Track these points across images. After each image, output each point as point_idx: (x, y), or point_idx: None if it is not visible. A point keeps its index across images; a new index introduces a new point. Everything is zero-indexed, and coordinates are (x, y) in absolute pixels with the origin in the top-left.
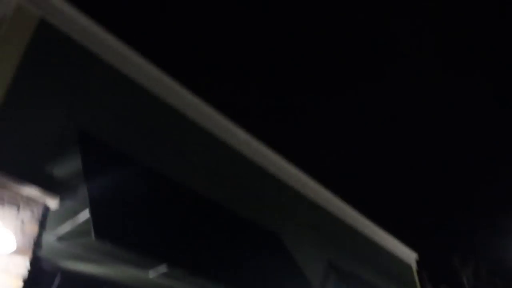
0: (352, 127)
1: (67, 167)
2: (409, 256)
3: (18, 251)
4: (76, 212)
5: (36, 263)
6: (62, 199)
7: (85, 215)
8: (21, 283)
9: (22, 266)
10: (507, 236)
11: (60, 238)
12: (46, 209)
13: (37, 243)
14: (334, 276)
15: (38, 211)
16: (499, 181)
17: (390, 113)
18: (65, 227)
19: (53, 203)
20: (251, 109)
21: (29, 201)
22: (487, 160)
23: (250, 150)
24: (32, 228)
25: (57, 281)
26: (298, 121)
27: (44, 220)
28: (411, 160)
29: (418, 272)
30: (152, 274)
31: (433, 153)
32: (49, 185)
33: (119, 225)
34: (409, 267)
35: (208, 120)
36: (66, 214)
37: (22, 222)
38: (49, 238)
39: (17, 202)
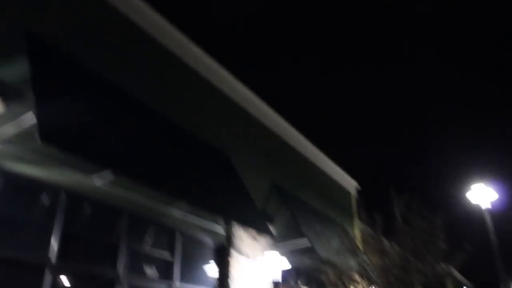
0: (302, 51)
1: (14, 69)
2: (350, 184)
3: None
4: (22, 115)
5: None
6: (8, 102)
7: (31, 118)
8: None
9: None
10: (438, 172)
11: (5, 141)
12: None
13: None
14: (277, 197)
15: None
16: (438, 119)
17: (337, 37)
18: (10, 130)
19: None
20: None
21: None
22: (426, 101)
23: (203, 68)
24: None
25: None
26: (252, 42)
27: None
28: (360, 94)
29: (357, 199)
30: (97, 180)
31: (378, 89)
32: None
33: (66, 130)
34: (348, 194)
35: (163, 34)
36: (11, 117)
37: None
38: None
39: None
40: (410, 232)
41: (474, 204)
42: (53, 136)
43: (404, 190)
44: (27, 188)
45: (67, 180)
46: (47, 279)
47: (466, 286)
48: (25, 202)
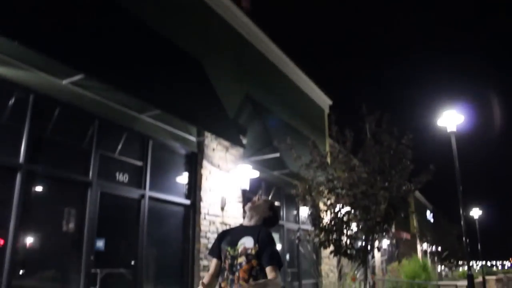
0: None
1: None
2: (323, 101)
3: None
4: None
5: None
6: None
7: None
8: None
9: None
10: (411, 96)
11: None
12: None
13: None
14: (249, 109)
15: None
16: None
17: None
18: None
19: None
20: None
21: None
22: (406, 22)
23: None
24: None
25: None
26: None
27: None
28: (338, 9)
29: (329, 115)
30: (66, 81)
31: (357, 5)
32: None
33: (37, 28)
34: (321, 111)
35: None
36: None
37: None
38: None
39: None
40: (379, 149)
41: (441, 128)
42: (24, 34)
43: (376, 109)
44: None
45: (37, 82)
46: (18, 182)
47: (427, 207)
48: None
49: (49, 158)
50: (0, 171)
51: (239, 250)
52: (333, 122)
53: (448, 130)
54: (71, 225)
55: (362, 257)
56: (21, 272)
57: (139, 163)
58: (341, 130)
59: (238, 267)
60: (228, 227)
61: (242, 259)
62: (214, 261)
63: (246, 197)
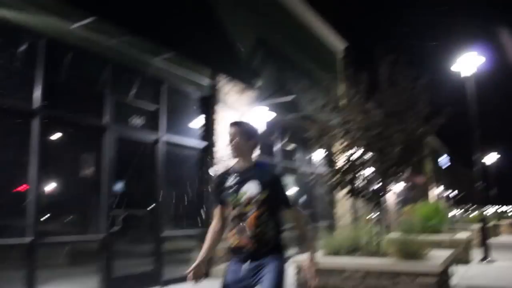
0: None
1: None
2: (337, 44)
3: None
4: None
5: None
6: None
7: None
8: None
9: None
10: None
11: None
12: None
13: None
14: (263, 51)
15: None
16: None
17: None
18: None
19: None
20: None
21: None
22: None
23: None
24: None
25: None
26: None
27: None
28: None
29: (343, 58)
30: (77, 25)
31: None
32: None
33: None
34: (335, 53)
35: None
36: None
37: None
38: None
39: None
40: (394, 92)
41: (458, 71)
42: None
43: (392, 51)
44: (8, 34)
45: (48, 27)
46: (36, 127)
47: (442, 151)
48: (5, 49)
49: (65, 103)
50: (17, 116)
51: (245, 198)
52: (348, 64)
53: (464, 74)
54: (90, 169)
55: (377, 198)
56: (45, 215)
57: (154, 108)
58: (356, 72)
59: (248, 214)
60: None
61: (249, 207)
62: (217, 208)
63: (261, 140)
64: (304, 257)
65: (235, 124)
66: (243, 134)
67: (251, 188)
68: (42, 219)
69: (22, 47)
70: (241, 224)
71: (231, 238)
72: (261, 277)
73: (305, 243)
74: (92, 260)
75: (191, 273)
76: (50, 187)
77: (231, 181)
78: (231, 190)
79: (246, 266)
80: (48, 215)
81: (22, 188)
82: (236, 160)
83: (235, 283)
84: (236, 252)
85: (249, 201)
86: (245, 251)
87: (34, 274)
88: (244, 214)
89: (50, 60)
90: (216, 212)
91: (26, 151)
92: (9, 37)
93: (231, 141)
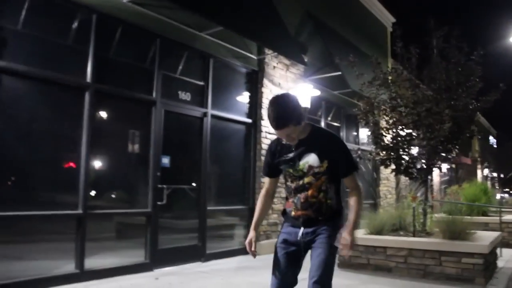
0: None
1: None
2: (386, 18)
3: None
4: None
5: None
6: None
7: None
8: None
9: None
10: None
11: None
12: None
13: None
14: (310, 25)
15: None
16: None
17: None
18: None
19: None
20: None
21: None
22: None
23: None
24: None
25: None
26: None
27: None
28: None
29: (392, 33)
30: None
31: None
32: None
33: None
34: (384, 28)
35: None
36: None
37: None
38: None
39: None
40: (446, 66)
41: None
42: None
43: (444, 23)
44: (61, 10)
45: (99, 2)
46: (87, 101)
47: (490, 132)
48: (59, 24)
49: (115, 77)
50: (70, 90)
51: (304, 170)
52: (398, 38)
53: None
54: (138, 143)
55: (423, 177)
56: (94, 189)
57: (201, 82)
58: (406, 47)
59: (307, 186)
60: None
61: (310, 179)
62: (267, 180)
63: (306, 116)
64: (345, 228)
65: (280, 127)
66: (292, 125)
67: (310, 160)
68: (91, 193)
69: (75, 23)
70: (300, 195)
71: (289, 208)
72: (314, 248)
73: (351, 213)
74: (138, 233)
75: (254, 248)
76: (100, 161)
77: (287, 152)
78: (288, 162)
79: (302, 230)
80: (97, 189)
81: (73, 162)
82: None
83: (289, 244)
84: (293, 219)
85: (309, 173)
86: (302, 219)
87: (84, 245)
88: (303, 185)
89: (100, 34)
90: (267, 182)
91: (77, 125)
92: (62, 13)
93: (287, 137)
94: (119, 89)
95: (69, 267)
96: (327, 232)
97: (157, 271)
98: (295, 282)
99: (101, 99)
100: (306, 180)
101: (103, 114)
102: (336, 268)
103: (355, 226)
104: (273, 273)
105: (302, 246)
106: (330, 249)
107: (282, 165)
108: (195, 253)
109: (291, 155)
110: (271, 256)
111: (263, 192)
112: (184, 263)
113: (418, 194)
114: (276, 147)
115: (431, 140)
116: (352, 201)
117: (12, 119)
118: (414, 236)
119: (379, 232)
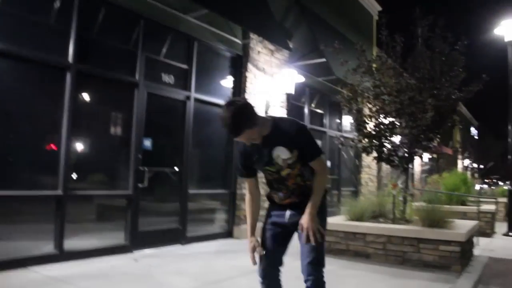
0: None
1: None
2: (372, 6)
3: None
4: None
5: None
6: None
7: None
8: None
9: None
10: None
11: None
12: None
13: None
14: (296, 11)
15: None
16: None
17: None
18: None
19: None
20: None
21: None
22: None
23: None
24: None
25: None
26: None
27: None
28: None
29: (377, 21)
30: None
31: None
32: None
33: None
34: (370, 16)
35: None
36: None
37: None
38: None
39: None
40: (430, 56)
41: (498, 38)
42: None
43: (430, 13)
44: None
45: None
46: (68, 82)
47: (472, 123)
48: (40, 2)
49: (97, 58)
50: (51, 70)
51: (280, 164)
52: (383, 26)
53: (506, 40)
54: (120, 125)
55: (404, 165)
56: (75, 170)
57: (184, 65)
58: (391, 35)
59: (285, 177)
60: None
61: (286, 171)
62: (247, 182)
63: (290, 102)
64: (307, 210)
65: (236, 134)
66: (250, 129)
67: (280, 154)
68: (71, 175)
69: (56, 1)
70: (280, 186)
71: (273, 197)
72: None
73: (313, 195)
74: (119, 216)
75: (253, 255)
76: (80, 142)
77: (257, 151)
78: (262, 161)
79: (288, 212)
80: (78, 170)
81: (53, 143)
82: None
83: (277, 225)
84: (279, 205)
85: (284, 166)
86: (288, 205)
87: (63, 226)
88: (281, 177)
89: (84, 14)
90: (247, 184)
91: (58, 105)
92: None
93: (246, 139)
94: (101, 70)
95: (48, 247)
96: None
97: (137, 253)
98: (281, 262)
99: (82, 80)
100: (284, 173)
101: (85, 95)
102: None
103: (315, 206)
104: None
105: (290, 226)
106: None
107: (256, 166)
108: (176, 236)
109: (262, 154)
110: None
111: (248, 196)
112: (164, 246)
113: (399, 182)
114: (245, 148)
115: (413, 128)
116: (315, 182)
117: None
118: (393, 223)
119: (359, 218)
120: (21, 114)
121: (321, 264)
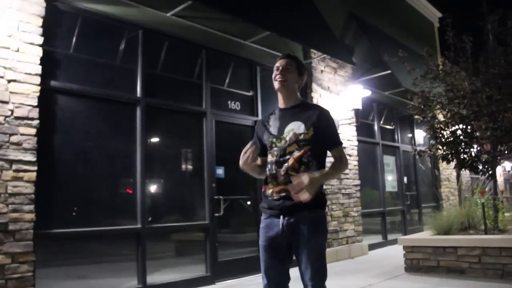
0: None
1: None
2: (432, 13)
3: None
4: None
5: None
6: None
7: None
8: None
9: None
10: None
11: None
12: None
13: None
14: (354, 26)
15: None
16: None
17: None
18: None
19: None
20: None
21: None
22: None
23: None
24: None
25: (78, 22)
26: None
27: None
28: None
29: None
30: (171, 13)
31: None
32: None
33: None
34: (430, 23)
35: None
36: None
37: None
38: None
39: None
40: (504, 51)
41: None
42: None
43: (499, 6)
44: (108, 28)
45: (144, 18)
46: (139, 115)
47: None
48: (107, 43)
49: (164, 91)
50: (122, 106)
51: (288, 138)
52: (448, 27)
53: None
54: (191, 155)
55: (489, 169)
56: (151, 203)
57: (249, 92)
58: (458, 35)
59: (288, 156)
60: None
61: (293, 147)
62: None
63: (359, 118)
64: (313, 173)
65: (288, 56)
66: (296, 67)
67: (295, 128)
68: (149, 208)
69: (123, 40)
70: (280, 169)
71: (268, 188)
72: (301, 246)
73: (327, 170)
74: (197, 248)
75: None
76: (155, 173)
77: (273, 119)
78: (273, 131)
79: (281, 220)
80: (154, 203)
81: (129, 176)
82: (280, 96)
83: (272, 240)
84: (271, 200)
85: (292, 140)
86: (281, 199)
87: (145, 261)
88: (285, 156)
89: (147, 49)
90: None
91: (131, 139)
92: (110, 32)
93: (282, 69)
94: (169, 102)
95: (132, 283)
96: (310, 227)
97: (219, 285)
98: (288, 277)
99: (151, 113)
100: (290, 148)
101: (155, 127)
102: (403, 273)
103: (324, 177)
104: (265, 273)
105: (286, 237)
106: (319, 248)
107: (265, 136)
108: (257, 265)
109: (276, 120)
110: (330, 264)
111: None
112: (246, 275)
113: (486, 189)
114: (262, 123)
115: (495, 130)
116: (332, 164)
117: (68, 137)
118: (486, 233)
119: (446, 232)
120: (97, 150)
121: (322, 281)
